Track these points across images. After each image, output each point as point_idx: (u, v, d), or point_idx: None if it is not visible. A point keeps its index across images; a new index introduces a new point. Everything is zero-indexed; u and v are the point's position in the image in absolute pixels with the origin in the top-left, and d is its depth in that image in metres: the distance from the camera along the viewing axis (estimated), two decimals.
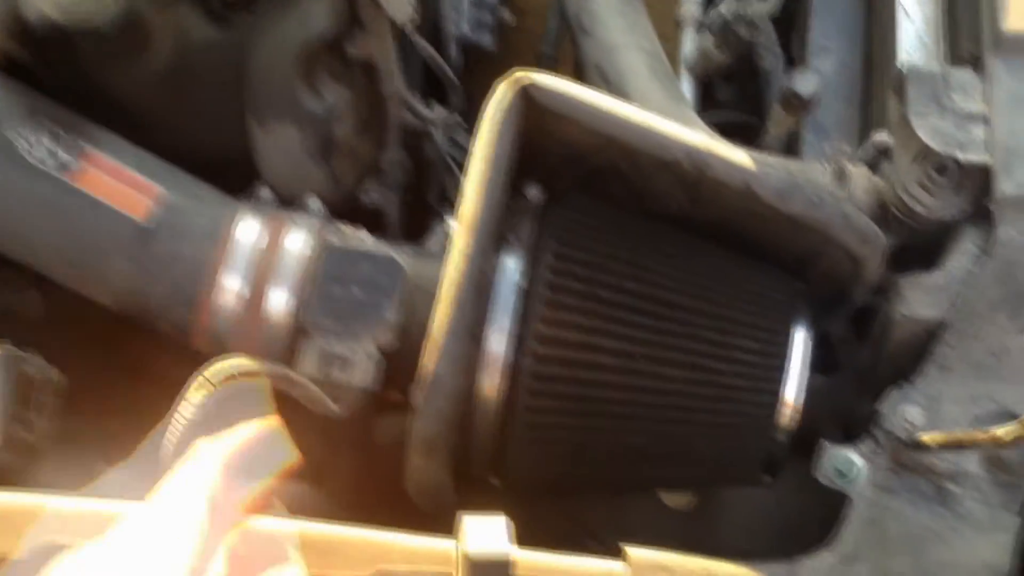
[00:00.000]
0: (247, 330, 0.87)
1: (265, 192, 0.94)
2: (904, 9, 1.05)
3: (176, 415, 0.73)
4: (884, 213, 0.91)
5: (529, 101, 0.84)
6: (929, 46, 1.03)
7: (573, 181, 0.91)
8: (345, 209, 1.01)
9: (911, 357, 0.87)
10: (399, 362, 0.86)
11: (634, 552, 0.78)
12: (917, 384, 0.85)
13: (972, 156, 0.85)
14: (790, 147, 1.16)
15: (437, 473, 0.82)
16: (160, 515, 0.54)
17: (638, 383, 0.84)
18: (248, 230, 0.89)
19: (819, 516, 0.86)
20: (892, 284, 0.88)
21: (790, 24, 1.27)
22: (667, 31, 1.26)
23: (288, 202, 0.95)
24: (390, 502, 0.86)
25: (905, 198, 0.88)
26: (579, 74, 1.11)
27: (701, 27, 1.29)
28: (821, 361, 0.94)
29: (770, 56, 1.23)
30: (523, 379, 0.83)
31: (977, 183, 0.86)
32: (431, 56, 1.01)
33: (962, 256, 0.87)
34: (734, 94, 1.31)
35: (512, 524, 0.72)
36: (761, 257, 0.91)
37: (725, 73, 1.29)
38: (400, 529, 0.77)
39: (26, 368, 0.87)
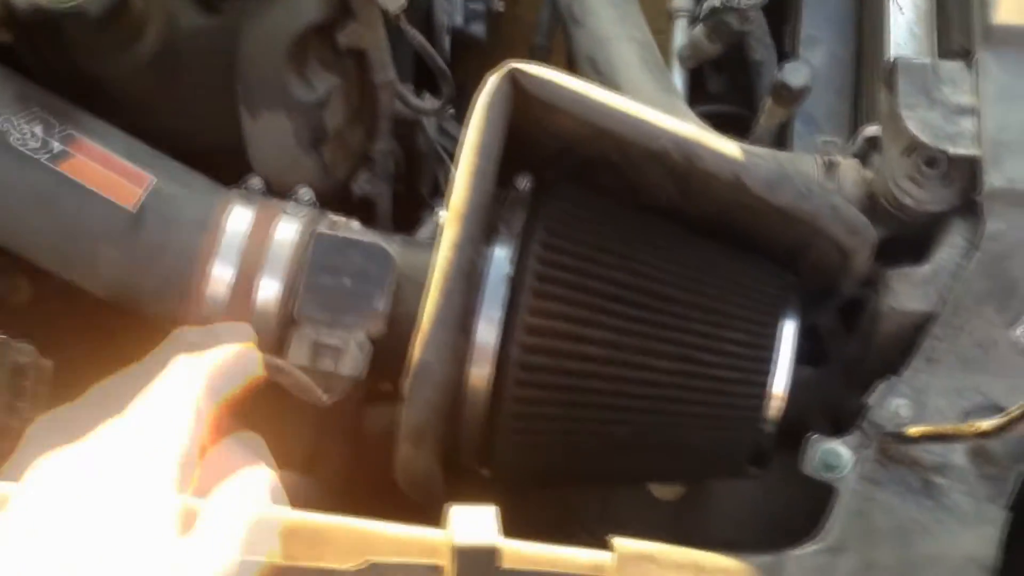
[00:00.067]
0: (237, 319, 0.87)
1: (255, 181, 0.94)
2: (895, 1, 1.05)
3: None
4: (873, 205, 0.91)
5: (519, 91, 0.84)
6: (920, 38, 1.03)
7: (564, 172, 0.91)
8: (336, 199, 1.01)
9: (899, 350, 0.87)
10: (389, 352, 0.86)
11: (621, 543, 0.79)
12: (904, 377, 0.85)
13: (961, 149, 0.86)
14: (781, 139, 1.17)
15: (426, 462, 0.83)
16: (150, 418, 0.57)
17: (626, 374, 0.84)
18: (238, 219, 0.89)
19: (807, 508, 0.86)
20: (880, 276, 0.89)
21: (781, 15, 1.27)
22: (660, 24, 1.26)
23: (279, 191, 0.94)
24: (380, 492, 0.87)
25: (894, 190, 0.88)
26: (571, 65, 1.11)
27: (693, 19, 1.29)
28: (810, 353, 0.94)
29: (761, 47, 1.23)
30: (511, 369, 0.83)
31: (966, 176, 0.87)
32: (422, 45, 1.01)
33: (950, 249, 0.87)
34: (726, 86, 1.31)
35: (501, 515, 0.73)
36: (751, 249, 0.91)
37: (716, 64, 1.29)
38: (390, 519, 0.77)
39: (15, 356, 0.87)
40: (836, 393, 0.94)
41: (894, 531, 0.83)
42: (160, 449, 0.57)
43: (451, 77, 1.03)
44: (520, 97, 0.84)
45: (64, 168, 0.88)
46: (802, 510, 0.87)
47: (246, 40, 0.94)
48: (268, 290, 0.87)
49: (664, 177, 0.88)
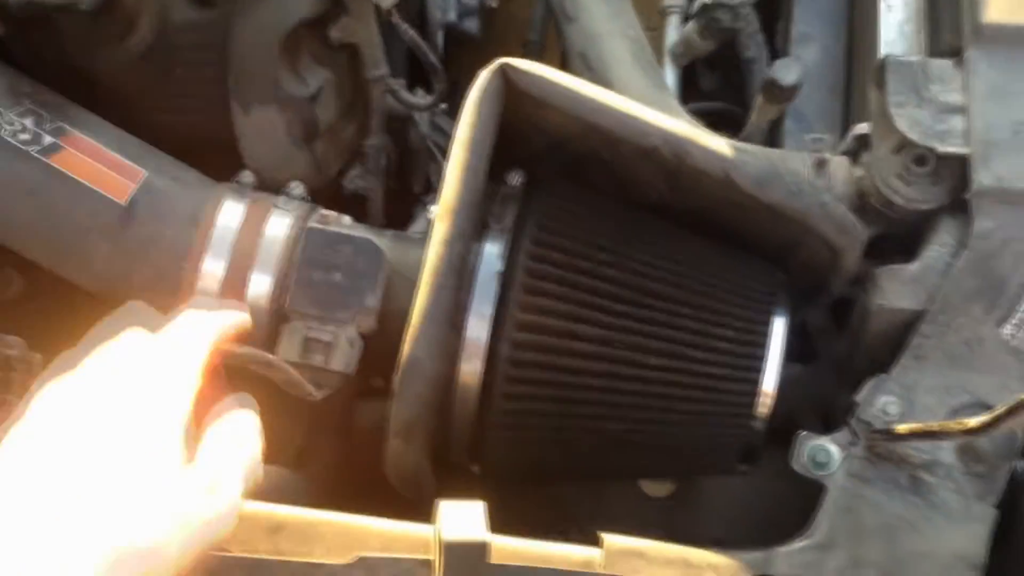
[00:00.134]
0: None
1: (247, 176, 0.94)
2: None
3: None
4: (863, 204, 0.91)
5: (510, 87, 0.84)
6: (910, 37, 1.03)
7: (555, 168, 0.91)
8: (328, 194, 1.01)
9: (888, 347, 0.87)
10: (380, 347, 0.86)
11: (610, 539, 0.79)
12: (893, 374, 0.85)
13: (950, 147, 0.86)
14: (772, 136, 1.17)
15: (416, 458, 0.83)
16: (170, 349, 0.66)
17: (616, 370, 0.84)
18: (230, 214, 0.89)
19: (797, 505, 0.87)
20: (870, 274, 0.89)
21: (773, 13, 1.27)
22: (652, 21, 1.27)
23: (271, 186, 0.94)
24: (371, 488, 0.87)
25: (883, 188, 0.88)
26: (564, 62, 1.11)
27: (685, 16, 1.29)
28: (800, 351, 0.95)
29: (753, 45, 1.23)
30: (501, 365, 0.83)
31: (955, 174, 0.87)
32: (415, 41, 1.01)
33: (939, 247, 0.87)
34: (718, 83, 1.31)
35: (492, 511, 0.73)
36: (741, 247, 0.91)
37: (709, 62, 1.29)
38: (381, 515, 0.77)
39: (4, 349, 0.87)
40: (826, 390, 0.95)
41: (882, 528, 0.83)
42: (169, 385, 0.64)
43: (444, 73, 1.03)
44: (511, 93, 0.84)
45: (55, 161, 0.88)
46: (792, 507, 0.87)
47: (238, 34, 0.94)
48: (259, 285, 0.87)
49: (655, 174, 0.88)
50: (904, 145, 0.87)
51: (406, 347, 0.80)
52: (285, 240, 0.88)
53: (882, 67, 0.90)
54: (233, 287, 0.87)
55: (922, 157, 0.87)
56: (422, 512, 0.76)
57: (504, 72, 0.84)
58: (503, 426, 0.85)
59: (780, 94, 1.03)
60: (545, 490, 1.02)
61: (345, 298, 0.86)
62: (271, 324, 0.87)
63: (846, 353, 0.93)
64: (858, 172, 0.93)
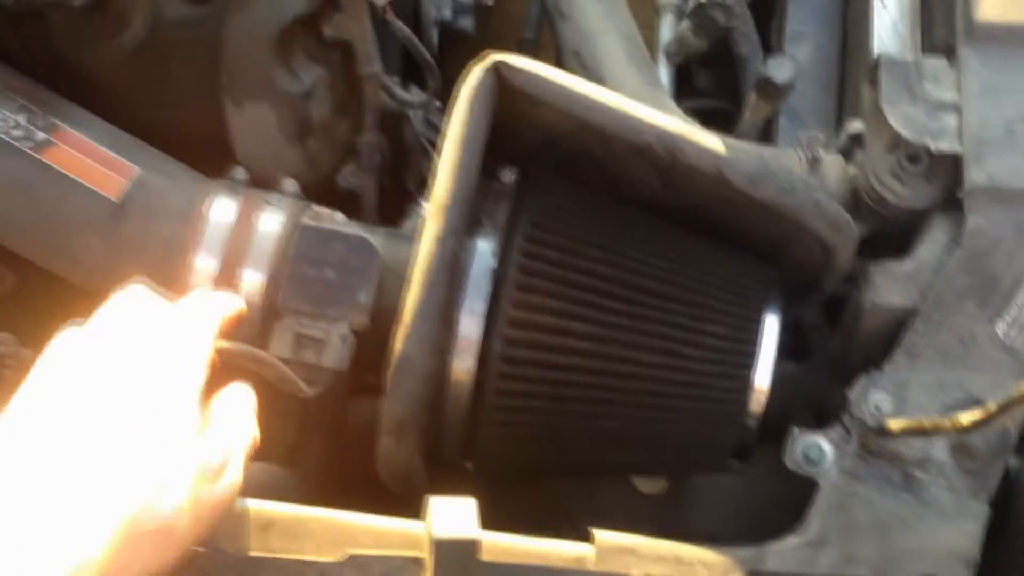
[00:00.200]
0: None
1: (240, 172, 0.93)
2: None
3: None
4: (856, 201, 0.91)
5: (502, 83, 0.84)
6: (903, 35, 1.03)
7: (548, 165, 0.91)
8: (321, 192, 1.00)
9: (882, 345, 0.87)
10: (373, 344, 0.86)
11: (602, 535, 0.79)
12: (886, 371, 0.85)
13: (943, 145, 0.86)
14: (766, 134, 1.17)
15: (408, 455, 0.82)
16: (186, 319, 0.69)
17: (609, 367, 0.84)
18: (222, 210, 0.89)
19: (789, 502, 0.87)
20: (863, 272, 0.89)
21: (767, 11, 1.27)
22: (646, 19, 1.26)
23: (263, 183, 0.94)
24: (364, 485, 0.87)
25: (877, 186, 0.88)
26: (559, 59, 1.11)
27: (680, 14, 1.29)
28: (793, 348, 0.94)
29: (747, 43, 1.23)
30: (494, 362, 0.83)
31: (948, 172, 0.87)
32: (409, 38, 1.01)
33: (932, 245, 0.87)
34: (712, 81, 1.31)
35: (485, 508, 0.73)
36: (734, 244, 0.91)
37: (702, 59, 1.29)
38: (374, 512, 0.77)
39: None
40: (819, 388, 0.95)
41: (875, 525, 0.83)
42: (185, 356, 0.66)
43: (437, 70, 1.03)
44: (504, 90, 0.84)
45: (47, 157, 0.87)
46: (785, 504, 0.87)
47: (231, 30, 0.94)
48: (251, 282, 0.87)
49: (648, 171, 0.88)
50: (897, 143, 0.87)
51: (398, 344, 0.79)
52: (278, 237, 0.87)
53: (876, 65, 0.90)
54: (225, 284, 0.87)
55: (915, 155, 0.87)
56: (415, 510, 0.76)
57: (497, 69, 0.84)
58: (496, 423, 0.85)
59: (774, 92, 1.03)
60: (538, 487, 1.02)
61: (337, 295, 0.86)
62: (263, 321, 0.87)
63: (839, 351, 0.93)
64: (852, 170, 0.93)
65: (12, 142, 0.87)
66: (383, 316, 0.85)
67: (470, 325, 0.83)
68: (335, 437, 0.93)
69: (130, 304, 0.68)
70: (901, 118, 0.87)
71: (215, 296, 0.75)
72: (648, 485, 1.02)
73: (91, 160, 0.88)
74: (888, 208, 0.89)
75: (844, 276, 0.90)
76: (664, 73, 1.26)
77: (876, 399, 0.84)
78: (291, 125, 0.98)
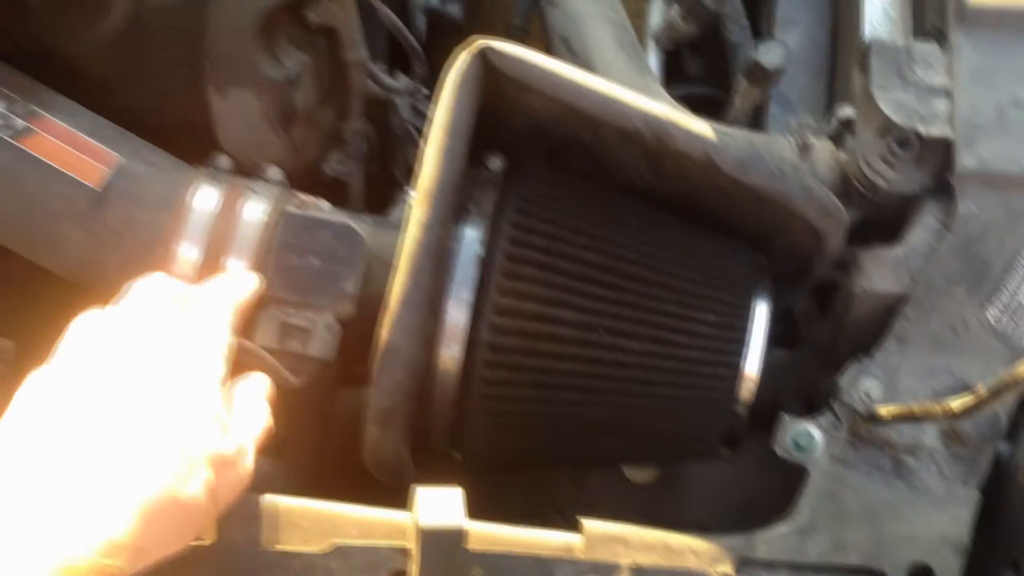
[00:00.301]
0: None
1: (223, 160, 0.92)
2: None
3: None
4: (846, 187, 0.90)
5: (489, 68, 0.83)
6: (895, 19, 1.02)
7: (536, 152, 0.90)
8: (307, 180, 0.99)
9: (872, 331, 0.87)
10: (359, 333, 0.85)
11: (591, 524, 0.78)
12: (876, 358, 0.85)
13: (934, 130, 0.85)
14: (757, 121, 1.16)
15: (394, 444, 0.82)
16: (207, 305, 0.73)
17: (597, 355, 0.83)
18: (205, 198, 0.88)
19: (779, 490, 0.86)
20: (853, 258, 0.88)
21: None
22: (637, 9, 1.26)
23: (247, 171, 0.93)
24: (351, 475, 0.86)
25: (867, 171, 0.87)
26: (547, 46, 1.10)
27: (669, 0, 1.28)
28: (783, 335, 0.94)
29: (737, 28, 1.22)
30: (481, 350, 0.82)
31: (939, 157, 0.86)
32: (394, 24, 1.00)
33: (923, 230, 0.87)
34: (702, 67, 1.30)
35: (473, 497, 0.72)
36: (724, 231, 0.90)
37: (692, 46, 1.28)
38: (362, 503, 0.76)
39: None
40: (809, 375, 0.94)
41: (865, 512, 0.83)
42: (208, 341, 0.69)
43: (424, 56, 1.02)
44: (491, 75, 0.83)
45: (27, 145, 0.86)
46: (774, 491, 0.87)
47: (214, 16, 0.92)
48: (235, 270, 0.86)
49: (637, 157, 0.87)
50: (888, 128, 0.86)
51: (383, 332, 0.79)
52: (262, 225, 0.87)
53: (867, 50, 0.89)
54: (209, 273, 0.86)
55: (906, 140, 0.86)
56: (403, 500, 0.75)
57: (484, 54, 0.83)
58: (483, 412, 0.85)
59: (764, 77, 1.02)
60: (526, 476, 1.01)
61: (323, 283, 0.85)
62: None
63: (829, 337, 0.93)
64: (842, 156, 0.93)
65: None
66: (369, 305, 0.85)
67: (457, 313, 0.82)
68: (322, 427, 0.92)
69: (152, 290, 0.68)
70: (892, 103, 0.86)
71: (231, 281, 0.78)
72: (637, 474, 1.01)
73: (72, 148, 0.87)
74: (878, 194, 0.88)
75: (834, 262, 0.90)
76: (653, 59, 1.25)
77: (866, 386, 0.84)
78: (275, 112, 0.97)
